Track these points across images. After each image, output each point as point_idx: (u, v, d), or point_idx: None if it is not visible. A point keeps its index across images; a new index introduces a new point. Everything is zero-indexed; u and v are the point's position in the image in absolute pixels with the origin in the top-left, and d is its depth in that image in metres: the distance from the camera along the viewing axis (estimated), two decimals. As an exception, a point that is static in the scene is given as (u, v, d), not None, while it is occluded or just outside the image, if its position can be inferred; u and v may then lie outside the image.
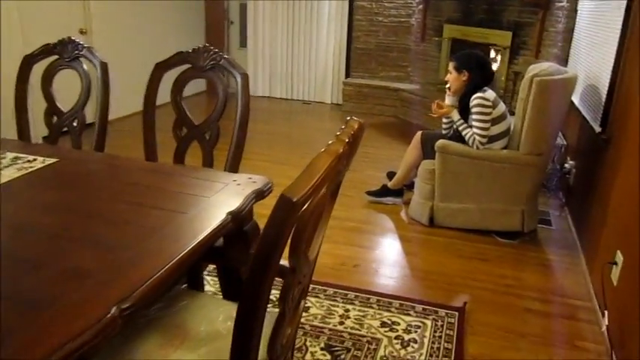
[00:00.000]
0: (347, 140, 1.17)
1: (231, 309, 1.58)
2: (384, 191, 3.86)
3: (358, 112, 6.63)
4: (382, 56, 6.73)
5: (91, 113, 2.42)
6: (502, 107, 3.31)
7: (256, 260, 1.11)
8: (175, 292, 1.70)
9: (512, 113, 5.15)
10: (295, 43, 7.08)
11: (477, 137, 3.25)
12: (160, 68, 2.32)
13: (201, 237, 1.37)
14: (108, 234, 1.41)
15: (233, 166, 2.12)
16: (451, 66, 3.45)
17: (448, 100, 3.59)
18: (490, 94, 3.28)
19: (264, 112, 6.76)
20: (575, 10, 4.49)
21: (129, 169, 1.93)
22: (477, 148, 3.26)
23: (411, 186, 3.99)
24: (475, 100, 3.25)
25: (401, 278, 2.91)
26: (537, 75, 3.02)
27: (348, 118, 1.32)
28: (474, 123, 3.27)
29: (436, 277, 2.90)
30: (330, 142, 1.16)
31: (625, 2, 2.88)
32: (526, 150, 3.15)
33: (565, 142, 4.06)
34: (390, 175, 4.10)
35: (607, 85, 3.03)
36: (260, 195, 1.76)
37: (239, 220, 1.60)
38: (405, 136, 5.65)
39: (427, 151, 3.60)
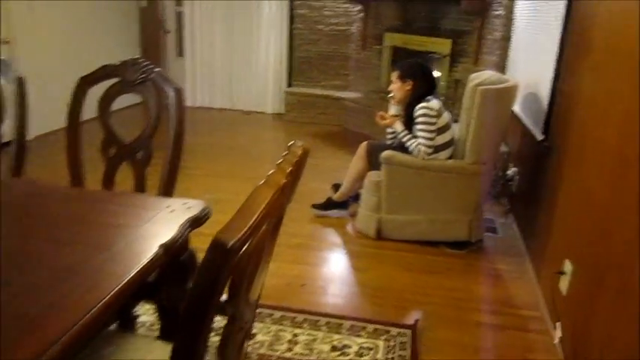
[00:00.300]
0: (290, 169, 1.03)
1: (165, 352, 1.42)
2: (330, 204, 3.75)
3: (301, 121, 6.53)
4: (324, 65, 6.66)
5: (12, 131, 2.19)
6: (447, 116, 3.28)
7: (192, 302, 0.97)
8: (103, 335, 1.52)
9: (456, 121, 5.20)
10: (234, 52, 6.92)
11: (423, 148, 3.20)
12: (85, 82, 2.13)
13: (126, 278, 1.21)
14: (15, 280, 1.22)
15: (167, 190, 1.95)
16: (395, 75, 3.40)
17: (392, 109, 3.53)
18: (435, 103, 3.24)
19: (204, 123, 6.55)
20: (512, 18, 4.56)
21: (47, 197, 1.73)
22: (423, 158, 3.21)
23: (356, 197, 3.90)
24: (420, 109, 3.20)
25: (350, 296, 2.80)
26: (481, 84, 2.99)
27: (290, 143, 1.17)
28: (419, 133, 3.22)
29: (386, 294, 2.82)
30: (270, 171, 1.02)
31: (563, 10, 2.90)
32: (471, 159, 3.12)
33: (507, 149, 4.09)
34: (336, 187, 4.00)
35: (548, 93, 3.05)
36: (196, 222, 1.61)
37: (173, 252, 1.44)
38: (349, 146, 5.58)
39: (373, 161, 3.52)
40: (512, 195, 3.94)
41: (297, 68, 6.76)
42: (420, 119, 3.20)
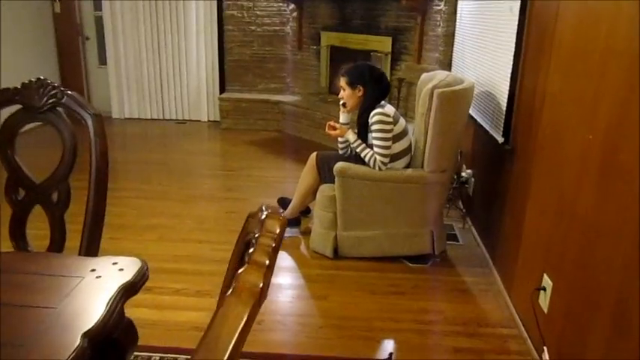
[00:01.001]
0: (267, 262, 0.73)
1: None
2: None
3: (238, 128, 6.17)
4: (259, 67, 6.32)
5: None
6: (403, 123, 3.05)
7: None
8: None
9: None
10: (162, 58, 6.46)
11: (379, 157, 2.96)
12: (-21, 111, 1.73)
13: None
14: None
15: (91, 246, 1.59)
16: (343, 82, 3.13)
17: (343, 117, 3.27)
18: (389, 109, 3.01)
19: (134, 137, 6.07)
20: (455, 13, 4.40)
21: None
22: (380, 169, 2.96)
23: (306, 212, 3.63)
24: (374, 116, 2.96)
25: (314, 331, 2.51)
26: (437, 87, 2.78)
27: (264, 213, 0.86)
28: (375, 142, 2.97)
29: (352, 323, 2.54)
30: (240, 269, 0.73)
31: (518, 4, 2.72)
32: (431, 167, 2.91)
33: (459, 150, 3.92)
34: (282, 202, 3.71)
35: (506, 92, 2.87)
36: (131, 290, 1.28)
37: (102, 337, 1.11)
38: (291, 152, 5.31)
39: (324, 174, 3.25)
40: (468, 198, 3.78)
41: (230, 72, 6.39)
42: (375, 127, 2.96)
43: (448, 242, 3.35)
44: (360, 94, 3.09)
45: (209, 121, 6.56)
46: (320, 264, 3.10)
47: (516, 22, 2.74)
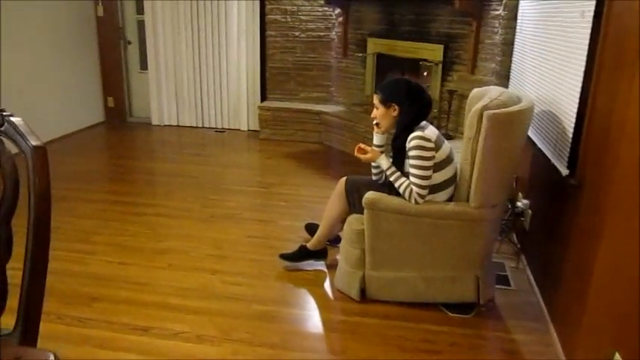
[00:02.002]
0: None
1: None
2: (303, 253, 3.06)
3: (277, 139, 5.84)
4: (301, 75, 5.96)
5: None
6: (447, 148, 2.59)
7: None
8: None
9: (449, 137, 4.51)
10: (203, 64, 6.21)
11: (416, 189, 2.51)
12: None
13: None
14: None
15: (28, 326, 1.22)
16: (376, 99, 2.70)
17: (377, 139, 2.84)
18: (431, 131, 2.55)
19: (170, 146, 5.83)
20: (515, 19, 3.88)
21: None
22: (416, 202, 2.51)
23: (336, 241, 3.22)
24: (413, 140, 2.51)
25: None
26: (488, 107, 2.31)
27: None
28: (412, 170, 2.53)
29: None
30: None
31: (592, 7, 2.22)
32: (478, 202, 2.43)
33: (513, 180, 3.41)
34: (310, 229, 3.31)
35: (573, 116, 2.37)
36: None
37: None
38: (330, 167, 4.92)
39: (354, 202, 2.84)
40: (524, 232, 3.27)
41: (272, 80, 6.06)
42: (412, 152, 2.51)
43: (498, 286, 2.86)
44: (395, 113, 2.66)
45: (248, 130, 6.25)
46: (343, 307, 2.68)
47: (589, 30, 2.24)
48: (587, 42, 2.26)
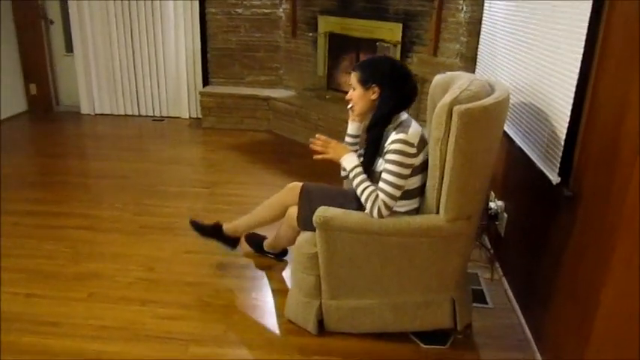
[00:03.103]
0: None
1: None
2: (214, 231, 2.80)
3: (222, 127, 5.31)
4: (246, 57, 5.42)
5: None
6: (425, 152, 2.16)
7: None
8: None
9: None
10: (136, 45, 5.57)
11: (384, 197, 2.08)
12: None
13: None
14: None
15: None
16: (354, 78, 2.23)
17: (351, 127, 2.40)
18: (415, 131, 2.11)
19: (100, 139, 5.21)
20: (482, -5, 3.49)
21: None
22: (380, 215, 2.09)
23: (282, 254, 2.83)
24: (395, 143, 2.07)
25: None
26: (458, 100, 1.89)
27: None
28: (385, 175, 2.09)
29: None
30: None
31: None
32: (451, 214, 2.03)
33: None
34: (252, 241, 2.93)
35: (566, 111, 1.99)
36: None
37: None
38: (282, 161, 4.46)
39: (305, 217, 2.37)
40: (497, 237, 2.92)
41: (214, 62, 5.49)
42: (391, 156, 2.08)
43: (474, 304, 2.49)
44: (375, 96, 2.20)
45: (190, 118, 5.69)
46: (300, 344, 2.25)
47: (589, 6, 1.84)
48: (585, 22, 1.87)
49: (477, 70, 3.61)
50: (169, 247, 3.00)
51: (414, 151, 2.06)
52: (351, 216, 2.12)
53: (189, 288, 2.62)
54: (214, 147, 4.82)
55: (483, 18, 3.49)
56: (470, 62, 3.67)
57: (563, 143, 2.01)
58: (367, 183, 2.14)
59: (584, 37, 1.87)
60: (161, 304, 2.48)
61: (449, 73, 2.43)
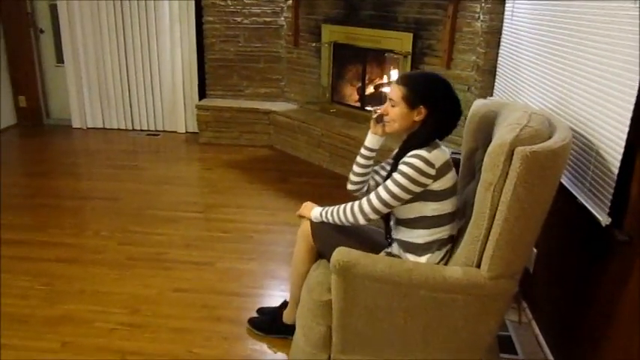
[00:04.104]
0: None
1: None
2: (278, 327, 2.32)
3: (220, 143, 5.01)
4: (246, 68, 5.12)
5: None
6: (451, 179, 1.87)
7: None
8: None
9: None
10: (130, 55, 5.28)
11: (373, 200, 1.88)
12: None
13: None
14: None
15: None
16: (398, 93, 1.90)
17: (371, 139, 2.08)
18: (441, 153, 1.83)
19: (91, 155, 4.91)
20: (503, 2, 3.18)
21: None
22: (362, 214, 1.90)
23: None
24: (412, 158, 1.81)
25: None
26: (519, 140, 1.57)
27: None
28: (389, 183, 1.85)
29: None
30: None
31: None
32: (495, 271, 1.70)
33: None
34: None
35: (620, 143, 1.67)
36: None
37: None
38: (284, 180, 4.16)
39: (325, 246, 2.04)
40: (525, 274, 2.59)
41: (212, 74, 5.19)
42: (404, 168, 1.81)
43: (502, 354, 2.18)
44: (419, 118, 1.90)
45: (187, 132, 5.39)
46: (302, 408, 1.94)
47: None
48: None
49: (496, 84, 3.30)
50: (157, 284, 2.69)
51: (432, 172, 1.79)
52: (377, 263, 1.80)
53: (178, 335, 2.30)
54: (211, 164, 4.51)
55: (504, 27, 3.19)
56: (488, 75, 3.36)
57: (615, 179, 1.70)
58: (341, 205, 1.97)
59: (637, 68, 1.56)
60: (145, 356, 2.17)
61: (491, 100, 2.14)
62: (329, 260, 1.96)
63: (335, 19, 4.46)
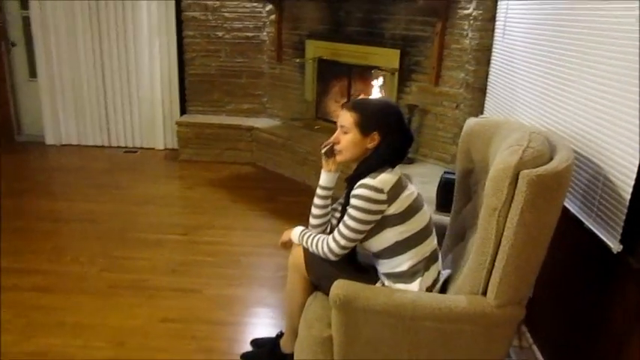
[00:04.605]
0: None
1: None
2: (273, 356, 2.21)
3: (201, 160, 4.88)
4: (227, 84, 5.02)
5: None
6: (408, 198, 1.79)
7: None
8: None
9: (409, 161, 3.75)
10: (107, 70, 5.12)
11: (338, 237, 1.82)
12: None
13: None
14: None
15: None
16: (350, 119, 1.82)
17: (327, 178, 1.99)
18: (385, 177, 1.76)
19: (66, 173, 4.71)
20: (493, 20, 3.15)
21: None
22: (330, 250, 1.84)
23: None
24: (359, 188, 1.76)
25: None
26: (523, 162, 1.51)
27: None
28: (347, 220, 1.79)
29: None
30: None
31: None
32: (502, 299, 1.64)
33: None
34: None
35: (632, 168, 1.63)
36: None
37: None
38: (269, 199, 4.05)
39: (320, 278, 1.96)
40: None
41: (192, 89, 5.07)
42: (355, 202, 1.76)
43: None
44: (373, 145, 1.82)
45: (166, 149, 5.25)
46: None
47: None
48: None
49: (486, 102, 3.27)
50: (143, 314, 2.55)
51: (383, 197, 1.73)
52: (378, 295, 1.71)
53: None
54: (192, 183, 4.38)
55: (494, 45, 3.16)
56: (478, 93, 3.33)
57: (627, 204, 1.65)
58: (318, 236, 1.93)
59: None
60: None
61: (485, 118, 2.08)
62: (325, 292, 1.90)
63: (320, 35, 4.40)
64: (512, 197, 1.52)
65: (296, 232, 2.02)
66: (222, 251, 3.20)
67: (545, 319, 2.37)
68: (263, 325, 2.52)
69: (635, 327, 1.65)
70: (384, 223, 1.79)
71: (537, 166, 1.50)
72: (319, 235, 1.92)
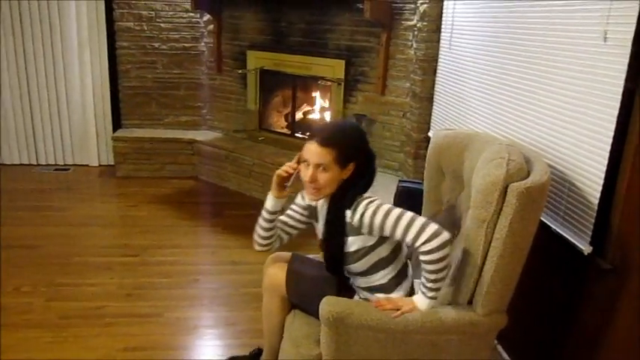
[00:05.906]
0: None
1: None
2: None
3: (141, 176, 4.70)
4: (165, 96, 4.87)
5: None
6: None
7: None
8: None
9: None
10: (33, 83, 4.81)
11: (429, 233, 1.61)
12: None
13: None
14: None
15: None
16: (329, 156, 1.71)
17: (274, 203, 1.90)
18: (372, 196, 1.79)
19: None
20: (438, 30, 3.25)
21: None
22: (446, 244, 1.61)
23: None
24: (368, 208, 1.71)
25: None
26: (510, 176, 1.56)
27: None
28: (402, 222, 1.66)
29: None
30: None
31: (627, 31, 1.58)
32: (489, 308, 1.68)
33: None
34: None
35: (598, 174, 1.72)
36: None
37: None
38: (213, 213, 3.98)
39: (302, 297, 1.93)
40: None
41: (127, 102, 4.87)
42: (381, 213, 1.70)
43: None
44: (347, 174, 1.79)
45: (100, 165, 5.01)
46: None
47: (626, 60, 1.59)
48: (620, 74, 1.61)
49: (434, 111, 3.36)
50: (102, 344, 2.41)
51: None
52: (370, 311, 1.70)
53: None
54: (135, 201, 4.20)
55: (440, 55, 3.26)
56: (425, 102, 3.41)
57: (596, 208, 1.74)
58: (432, 275, 1.67)
59: (620, 91, 1.61)
60: None
61: (453, 130, 2.14)
62: (307, 310, 1.89)
63: (261, 46, 4.36)
64: (501, 209, 1.56)
65: (423, 302, 1.72)
66: (178, 271, 3.09)
67: (513, 320, 2.45)
68: (231, 346, 2.45)
69: (607, 324, 1.75)
70: (377, 241, 1.77)
71: (521, 179, 1.56)
72: (424, 274, 1.68)
